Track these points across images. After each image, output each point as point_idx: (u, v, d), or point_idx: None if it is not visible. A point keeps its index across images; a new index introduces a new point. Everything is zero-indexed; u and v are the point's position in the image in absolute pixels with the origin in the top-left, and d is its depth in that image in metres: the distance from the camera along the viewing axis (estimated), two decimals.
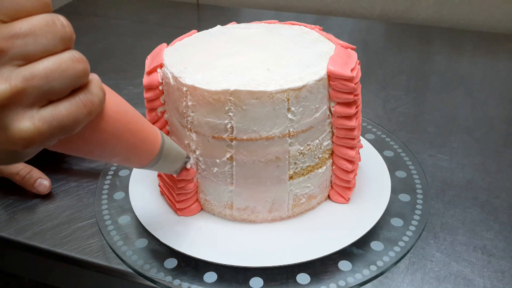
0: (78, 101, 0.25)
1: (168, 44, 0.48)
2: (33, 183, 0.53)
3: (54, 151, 0.59)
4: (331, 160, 0.47)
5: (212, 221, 0.47)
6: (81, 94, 0.25)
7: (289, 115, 0.41)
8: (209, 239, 0.45)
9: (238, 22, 0.53)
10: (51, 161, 0.59)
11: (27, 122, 0.24)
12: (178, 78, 0.41)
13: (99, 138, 0.29)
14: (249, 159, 0.42)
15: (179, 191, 0.45)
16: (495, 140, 0.63)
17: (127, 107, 0.32)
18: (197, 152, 0.44)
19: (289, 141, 0.42)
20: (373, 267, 0.42)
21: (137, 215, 0.47)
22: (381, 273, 0.41)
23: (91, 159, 0.56)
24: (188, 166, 0.43)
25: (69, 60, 0.24)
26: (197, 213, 0.48)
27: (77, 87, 0.25)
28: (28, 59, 0.23)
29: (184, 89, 0.41)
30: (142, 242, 0.45)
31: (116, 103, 0.31)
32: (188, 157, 0.43)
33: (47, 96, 0.24)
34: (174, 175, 0.44)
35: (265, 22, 0.53)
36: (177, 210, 0.47)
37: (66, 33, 0.24)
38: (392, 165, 0.54)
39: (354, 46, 0.47)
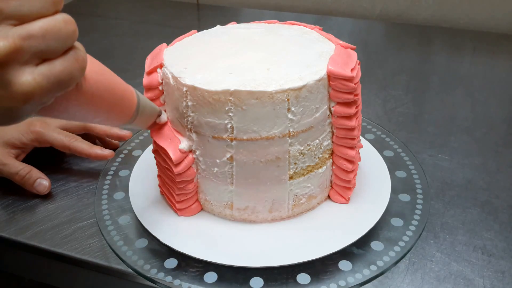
0: (70, 57, 0.27)
1: (168, 44, 0.48)
2: (33, 183, 0.53)
3: (54, 152, 0.59)
4: (331, 160, 0.47)
5: (212, 221, 0.47)
6: (71, 51, 0.27)
7: (289, 115, 0.41)
8: (209, 239, 0.45)
9: (238, 22, 0.53)
10: (51, 161, 0.59)
11: (28, 76, 0.25)
12: (178, 78, 0.41)
13: (83, 99, 0.31)
14: (249, 159, 0.42)
15: (179, 191, 0.45)
16: (495, 140, 0.63)
17: (104, 67, 0.34)
18: (197, 152, 0.44)
19: (289, 141, 0.42)
20: (373, 267, 0.42)
21: (137, 215, 0.47)
22: (381, 273, 0.41)
23: (90, 160, 0.56)
24: (163, 118, 0.44)
25: (62, 22, 0.26)
26: (197, 213, 0.48)
27: (69, 46, 0.27)
28: (22, 19, 0.24)
29: (184, 89, 0.41)
30: (142, 242, 0.45)
31: (93, 64, 0.32)
32: (161, 112, 0.44)
33: (43, 54, 0.25)
34: (148, 129, 0.45)
35: (265, 22, 0.53)
36: (177, 210, 0.47)
37: None
38: (392, 165, 0.54)
39: (354, 46, 0.47)
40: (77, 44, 0.27)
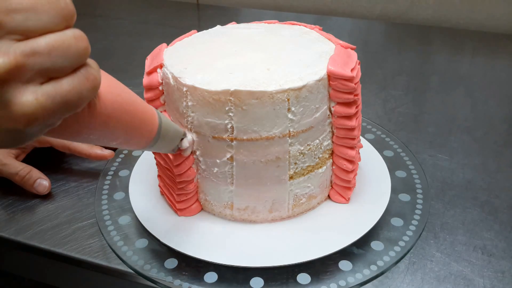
0: (80, 76, 0.24)
1: (168, 44, 0.48)
2: (33, 184, 0.53)
3: (54, 152, 0.58)
4: (331, 160, 0.47)
5: (212, 221, 0.47)
6: (82, 69, 0.25)
7: (289, 115, 0.41)
8: (209, 239, 0.45)
9: (238, 22, 0.53)
10: (51, 161, 0.59)
11: (30, 96, 0.23)
12: (178, 78, 0.41)
13: (97, 121, 0.29)
14: (249, 159, 0.42)
15: (179, 192, 0.45)
16: (495, 140, 0.63)
17: (121, 87, 0.32)
18: (197, 152, 0.44)
19: (289, 141, 0.42)
20: (373, 267, 0.42)
21: (137, 215, 0.47)
22: (382, 273, 0.41)
23: (90, 160, 0.56)
24: (185, 144, 0.42)
25: (72, 38, 0.24)
26: (197, 213, 0.48)
27: (79, 65, 0.24)
28: (27, 34, 0.22)
29: (184, 89, 0.41)
30: (142, 242, 0.45)
31: (110, 84, 0.30)
32: (185, 134, 0.42)
33: (48, 73, 0.23)
34: (172, 153, 0.43)
35: (265, 22, 0.53)
36: (177, 210, 0.47)
37: (69, 10, 0.24)
38: (392, 165, 0.54)
39: (354, 46, 0.47)
40: (90, 61, 0.25)
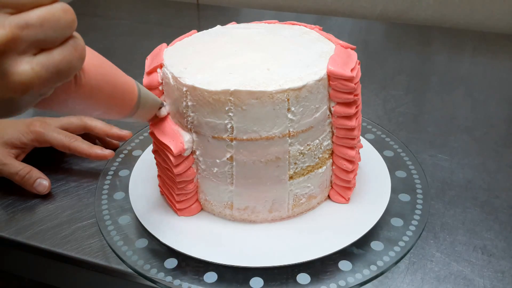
0: (69, 46, 0.26)
1: (168, 44, 0.48)
2: (33, 183, 0.53)
3: (54, 152, 0.58)
4: (331, 160, 0.47)
5: (212, 221, 0.47)
6: (70, 40, 0.26)
7: (289, 115, 0.41)
8: (209, 239, 0.45)
9: (238, 22, 0.53)
10: (51, 161, 0.59)
11: (26, 66, 0.24)
12: (178, 78, 0.41)
13: (82, 92, 0.30)
14: (249, 159, 0.42)
15: (179, 191, 0.45)
16: (495, 140, 0.63)
17: (103, 59, 0.34)
18: (197, 152, 0.44)
19: (289, 141, 0.42)
20: (373, 267, 0.42)
21: (137, 215, 0.47)
22: (381, 273, 0.41)
23: (90, 160, 0.56)
24: (163, 112, 0.43)
25: (61, 10, 0.25)
26: (197, 213, 0.48)
27: (68, 36, 0.26)
28: (19, 8, 0.24)
29: (184, 89, 0.41)
30: (142, 242, 0.45)
31: (93, 57, 0.32)
32: (163, 104, 0.43)
33: (40, 44, 0.25)
34: (149, 123, 0.44)
35: (265, 22, 0.53)
36: (177, 210, 0.47)
37: None
38: (392, 165, 0.54)
39: (354, 46, 0.47)
40: (76, 34, 0.27)
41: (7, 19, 0.23)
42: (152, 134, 0.45)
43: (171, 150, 0.42)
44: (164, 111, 0.43)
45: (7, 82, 0.24)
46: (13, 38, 0.23)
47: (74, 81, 0.29)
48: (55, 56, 0.25)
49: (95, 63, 0.32)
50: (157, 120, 0.44)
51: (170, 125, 0.44)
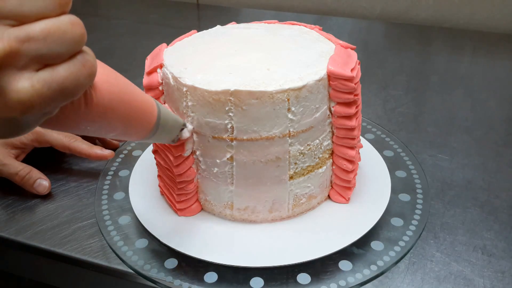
0: (76, 62, 0.24)
1: (168, 44, 0.48)
2: (33, 184, 0.53)
3: (54, 152, 0.58)
4: (331, 160, 0.47)
5: (212, 221, 0.47)
6: (78, 55, 0.24)
7: (289, 115, 0.41)
8: (209, 239, 0.45)
9: (238, 22, 0.53)
10: (51, 161, 0.59)
11: (25, 83, 0.22)
12: (178, 78, 0.41)
13: (94, 112, 0.28)
14: (249, 159, 0.42)
15: (179, 192, 0.45)
16: (495, 140, 0.63)
17: (117, 76, 0.31)
18: (197, 152, 0.44)
19: (289, 141, 0.42)
20: (373, 267, 0.42)
21: (137, 215, 0.47)
22: (382, 273, 0.41)
23: (90, 160, 0.56)
24: (186, 134, 0.41)
25: (68, 24, 0.23)
26: (197, 213, 0.48)
27: (76, 51, 0.24)
28: (21, 20, 0.22)
29: (184, 89, 0.41)
30: (142, 242, 0.45)
31: (106, 73, 0.29)
32: (185, 124, 0.41)
33: (44, 59, 0.23)
34: (172, 144, 0.42)
35: (265, 22, 0.53)
36: (178, 210, 0.47)
37: None
38: (392, 165, 0.54)
39: (354, 46, 0.47)
40: (86, 48, 0.25)
41: (6, 31, 0.21)
42: None
43: (171, 149, 0.42)
44: (186, 133, 0.41)
45: (5, 100, 0.22)
46: (11, 52, 0.21)
47: (85, 100, 0.27)
48: (60, 73, 0.23)
49: (108, 80, 0.29)
50: (180, 143, 0.41)
51: None
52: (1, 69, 0.21)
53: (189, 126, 0.42)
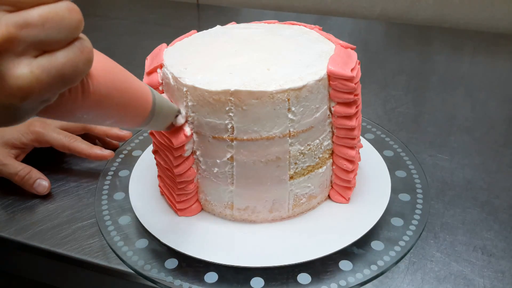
0: (74, 48, 0.24)
1: (168, 44, 0.48)
2: (32, 184, 0.53)
3: (54, 152, 0.58)
4: (331, 160, 0.47)
5: (212, 221, 0.47)
6: (76, 42, 0.24)
7: (290, 115, 0.41)
8: (209, 239, 0.45)
9: (238, 22, 0.53)
10: (51, 161, 0.59)
11: (24, 69, 0.22)
12: (178, 79, 0.41)
13: (91, 100, 0.28)
14: (249, 159, 0.42)
15: (179, 192, 0.45)
16: (495, 140, 0.63)
17: (113, 64, 0.31)
18: (198, 153, 0.44)
19: (290, 141, 0.42)
20: (373, 267, 0.42)
21: (137, 215, 0.47)
22: (382, 273, 0.41)
23: (90, 160, 0.56)
24: (180, 120, 0.41)
25: (66, 10, 0.23)
26: (197, 213, 0.48)
27: (73, 38, 0.24)
28: (19, 5, 0.22)
29: (184, 89, 0.41)
30: (143, 243, 0.45)
31: (101, 61, 0.30)
32: (179, 111, 0.41)
33: (42, 45, 0.23)
34: (166, 131, 0.42)
35: (265, 22, 0.53)
36: (178, 211, 0.47)
37: None
38: (392, 165, 0.54)
39: (354, 46, 0.47)
40: (83, 35, 0.25)
41: (4, 17, 0.21)
42: (151, 134, 0.45)
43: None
44: (181, 120, 0.41)
45: (4, 86, 0.22)
46: (9, 37, 0.21)
47: (82, 88, 0.27)
48: (59, 59, 0.23)
49: (105, 68, 0.29)
50: (174, 129, 0.41)
51: None
52: (0, 55, 0.21)
53: (183, 112, 0.41)
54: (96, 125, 0.33)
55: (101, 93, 0.29)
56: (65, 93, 0.26)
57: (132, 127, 0.36)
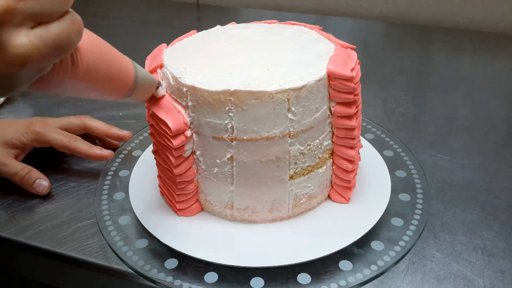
0: (67, 20, 0.26)
1: (168, 44, 0.48)
2: (32, 184, 0.53)
3: (54, 152, 0.58)
4: (331, 160, 0.47)
5: (212, 221, 0.47)
6: (68, 14, 0.26)
7: (290, 115, 0.41)
8: (209, 239, 0.45)
9: (238, 22, 0.53)
10: (51, 161, 0.59)
11: (24, 38, 0.24)
12: (178, 79, 0.41)
13: (80, 72, 0.30)
14: (249, 159, 0.42)
15: (179, 192, 0.45)
16: (495, 140, 0.63)
17: (98, 39, 0.33)
18: (198, 153, 0.44)
19: (290, 141, 0.42)
20: (373, 267, 0.42)
21: (137, 216, 0.47)
22: (382, 273, 0.41)
23: (90, 160, 0.56)
24: (161, 91, 0.42)
25: None
26: (197, 213, 0.48)
27: (65, 11, 0.26)
28: None
29: (184, 89, 0.41)
30: (143, 243, 0.45)
31: (88, 35, 0.31)
32: (160, 83, 0.42)
33: (37, 17, 0.24)
34: (146, 102, 0.43)
35: (265, 22, 0.53)
36: (178, 211, 0.47)
37: None
38: (392, 165, 0.54)
39: (354, 46, 0.47)
40: (72, 10, 0.27)
41: None
42: (151, 134, 0.45)
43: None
44: (161, 91, 0.42)
45: (5, 55, 0.24)
46: (8, 8, 0.23)
47: (71, 60, 0.29)
48: (53, 30, 0.25)
49: (91, 42, 0.31)
50: (154, 101, 0.42)
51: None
52: (1, 25, 0.23)
53: (164, 85, 0.42)
54: (83, 97, 0.35)
55: (88, 65, 0.31)
56: (56, 64, 0.28)
57: (116, 99, 0.38)
